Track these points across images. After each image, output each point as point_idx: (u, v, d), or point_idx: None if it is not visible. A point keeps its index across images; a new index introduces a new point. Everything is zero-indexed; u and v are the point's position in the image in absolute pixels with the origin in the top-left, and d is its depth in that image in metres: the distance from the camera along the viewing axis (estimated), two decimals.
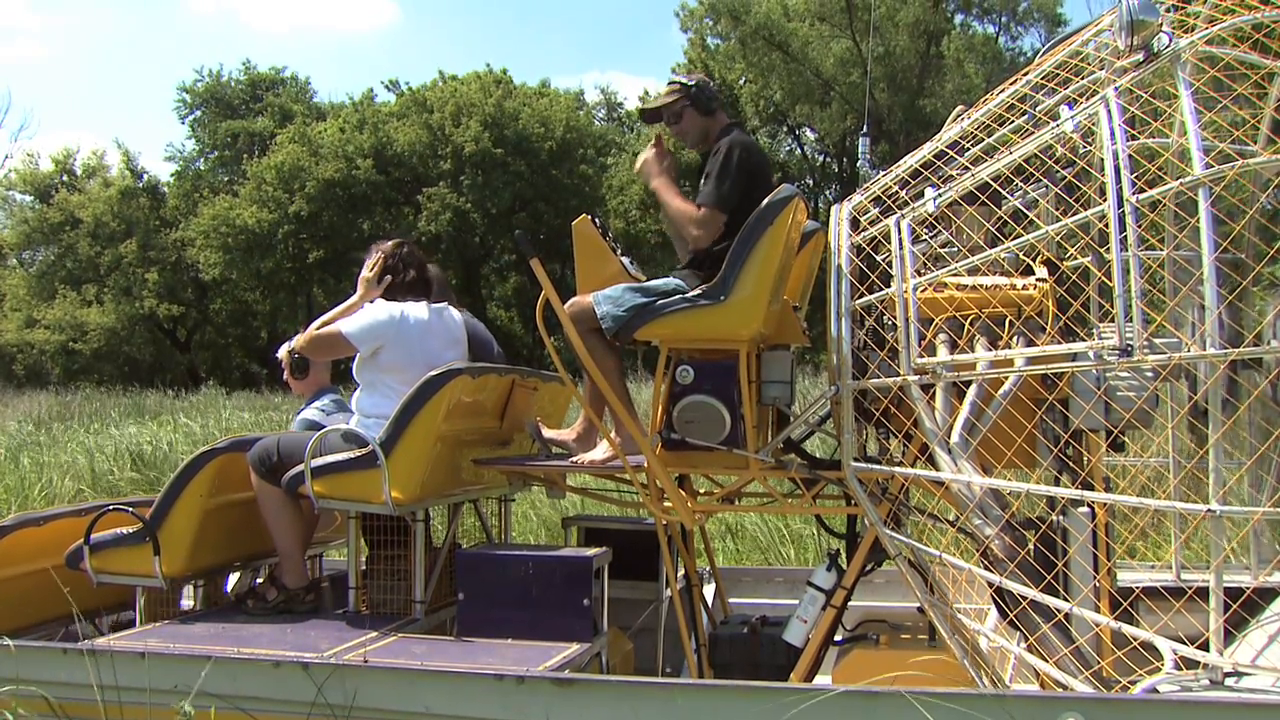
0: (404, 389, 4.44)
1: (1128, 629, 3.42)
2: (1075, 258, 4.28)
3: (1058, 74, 4.13)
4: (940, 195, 4.07)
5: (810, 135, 40.02)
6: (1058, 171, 4.01)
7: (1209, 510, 3.26)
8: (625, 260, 4.62)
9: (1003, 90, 4.33)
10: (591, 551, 4.39)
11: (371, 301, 4.82)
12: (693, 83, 4.56)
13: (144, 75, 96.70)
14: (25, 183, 42.65)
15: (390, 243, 5.05)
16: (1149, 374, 3.72)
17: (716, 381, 4.20)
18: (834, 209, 4.44)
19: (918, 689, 3.19)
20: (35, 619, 4.83)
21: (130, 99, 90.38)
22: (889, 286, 4.03)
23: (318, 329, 4.78)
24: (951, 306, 4.05)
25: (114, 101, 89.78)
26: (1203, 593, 3.38)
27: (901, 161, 4.49)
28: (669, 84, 4.66)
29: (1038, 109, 4.09)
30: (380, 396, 4.61)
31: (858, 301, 4.11)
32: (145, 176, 42.78)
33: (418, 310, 4.81)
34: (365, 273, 4.93)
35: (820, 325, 4.34)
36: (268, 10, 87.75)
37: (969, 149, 4.20)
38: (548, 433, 4.95)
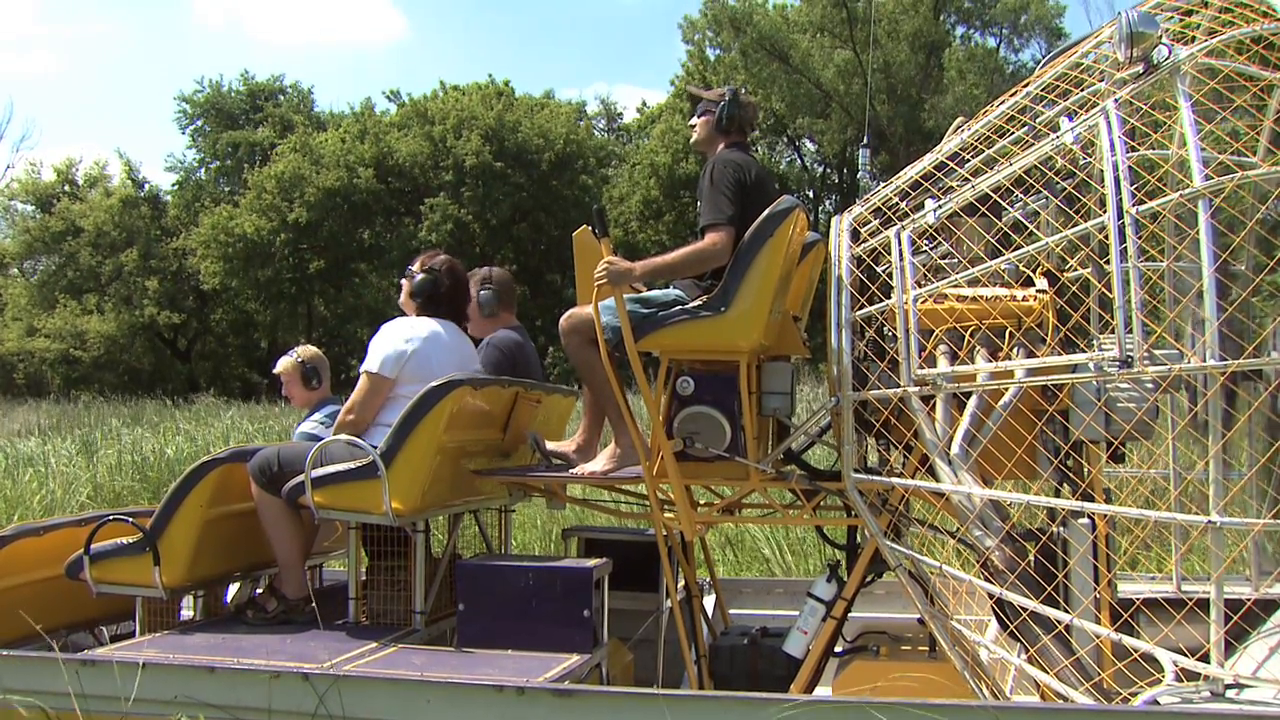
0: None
1: (1128, 640, 3.42)
2: (1075, 269, 4.29)
3: (1058, 86, 4.14)
4: (940, 207, 4.08)
5: (810, 146, 40.12)
6: (1058, 183, 4.02)
7: (1209, 522, 3.26)
8: None
9: (1003, 102, 4.34)
10: (592, 562, 4.38)
11: None
12: (727, 99, 4.62)
13: (149, 87, 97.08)
14: (27, 192, 42.73)
15: (418, 262, 5.06)
16: (1149, 385, 3.72)
17: (717, 392, 4.20)
18: (834, 220, 4.45)
19: (918, 700, 3.19)
20: (35, 629, 4.82)
21: (136, 110, 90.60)
22: (889, 298, 4.03)
23: (348, 408, 4.70)
24: (952, 318, 4.06)
25: (119, 113, 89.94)
26: (1203, 604, 3.38)
27: (902, 173, 4.50)
28: (720, 90, 4.74)
29: (1038, 121, 4.10)
30: (395, 406, 4.61)
31: (858, 313, 4.11)
32: (146, 186, 42.97)
33: (428, 324, 4.83)
34: (402, 296, 5.08)
35: (820, 336, 4.35)
36: (275, 23, 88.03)
37: (969, 160, 4.21)
38: (548, 444, 4.95)
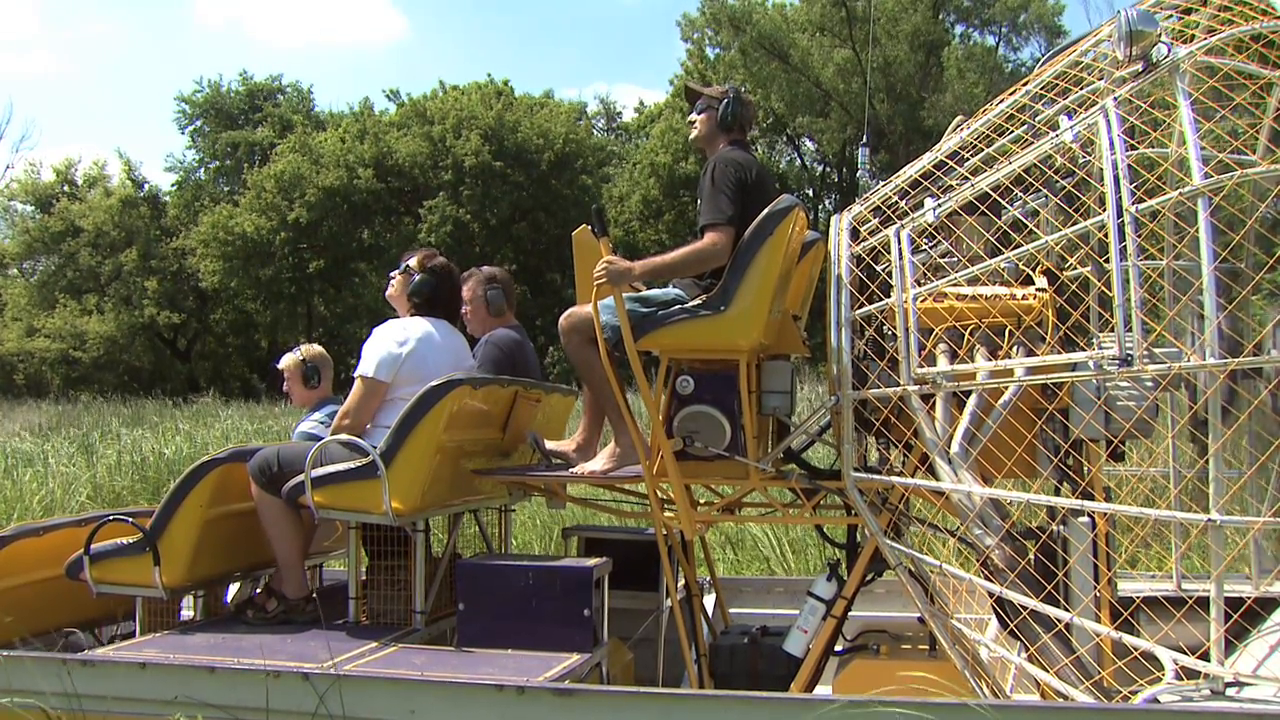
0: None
1: (1128, 639, 3.42)
2: (1075, 267, 4.29)
3: (1057, 84, 4.14)
4: (940, 205, 4.08)
5: (810, 145, 40.14)
6: (1057, 181, 4.02)
7: (1209, 520, 3.26)
8: None
9: (1002, 100, 4.34)
10: (592, 562, 4.38)
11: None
12: (729, 98, 4.61)
13: (149, 87, 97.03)
14: (27, 192, 42.72)
15: (415, 260, 5.06)
16: (1149, 383, 3.72)
17: (717, 391, 4.20)
18: (834, 219, 4.45)
19: (918, 699, 3.19)
20: (35, 629, 4.82)
21: (135, 110, 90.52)
22: (889, 297, 4.03)
23: (343, 413, 4.72)
24: (951, 316, 4.06)
25: (119, 113, 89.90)
26: (1203, 602, 3.38)
27: (901, 171, 4.50)
28: (722, 87, 4.75)
29: (1037, 119, 4.10)
30: (392, 408, 4.62)
31: (858, 311, 4.11)
32: (146, 186, 42.94)
33: (421, 324, 4.85)
34: (391, 290, 5.10)
35: (820, 335, 4.35)
36: (275, 23, 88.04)
37: (969, 159, 4.21)
38: (548, 444, 4.95)
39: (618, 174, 39.06)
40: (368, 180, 35.82)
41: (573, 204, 35.89)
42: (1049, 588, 3.65)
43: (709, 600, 5.47)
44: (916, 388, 3.90)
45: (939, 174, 4.27)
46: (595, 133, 44.16)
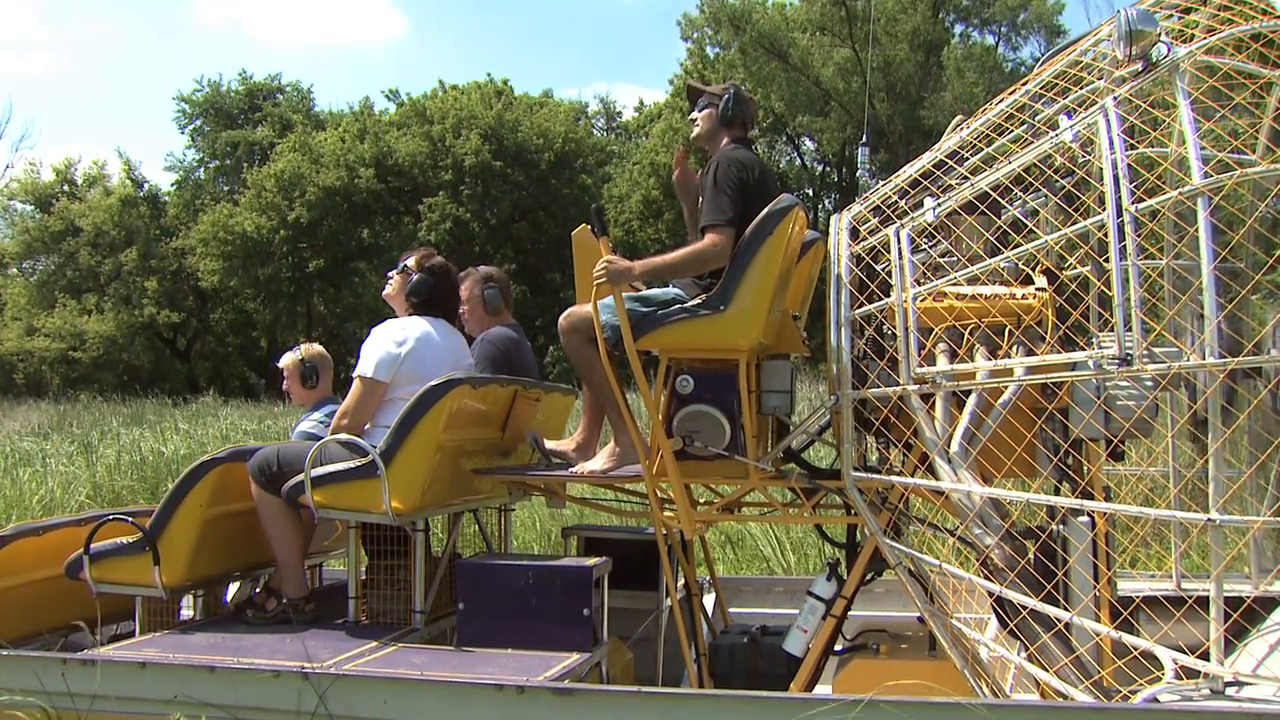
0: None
1: (1128, 638, 3.42)
2: (1075, 267, 4.29)
3: (1057, 84, 4.14)
4: (940, 205, 4.08)
5: (809, 145, 40.12)
6: (1057, 181, 4.02)
7: (1209, 519, 3.26)
8: None
9: (1002, 100, 4.33)
10: (592, 561, 4.38)
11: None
12: (730, 93, 4.62)
13: (149, 87, 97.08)
14: (26, 192, 42.71)
15: (413, 260, 5.06)
16: (1149, 383, 3.72)
17: (716, 391, 4.20)
18: (833, 218, 4.45)
19: (918, 699, 3.19)
20: (35, 629, 4.83)
21: (135, 110, 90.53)
22: (888, 296, 4.03)
23: (342, 413, 4.72)
24: (951, 316, 4.06)
25: (119, 113, 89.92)
26: (1203, 602, 3.38)
27: (901, 171, 4.50)
28: (723, 85, 4.76)
29: (1037, 119, 4.09)
30: (391, 408, 4.62)
31: (857, 311, 4.11)
32: (146, 186, 42.94)
33: (419, 324, 4.84)
34: (388, 289, 5.10)
35: (820, 335, 4.35)
36: (275, 23, 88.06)
37: (968, 158, 4.20)
38: (548, 443, 4.95)
39: (618, 174, 39.04)
40: (368, 180, 35.82)
41: (573, 204, 35.90)
42: (1049, 587, 3.65)
43: (709, 600, 5.47)
44: (916, 387, 3.90)
45: (939, 174, 4.27)
46: (595, 132, 44.19)
